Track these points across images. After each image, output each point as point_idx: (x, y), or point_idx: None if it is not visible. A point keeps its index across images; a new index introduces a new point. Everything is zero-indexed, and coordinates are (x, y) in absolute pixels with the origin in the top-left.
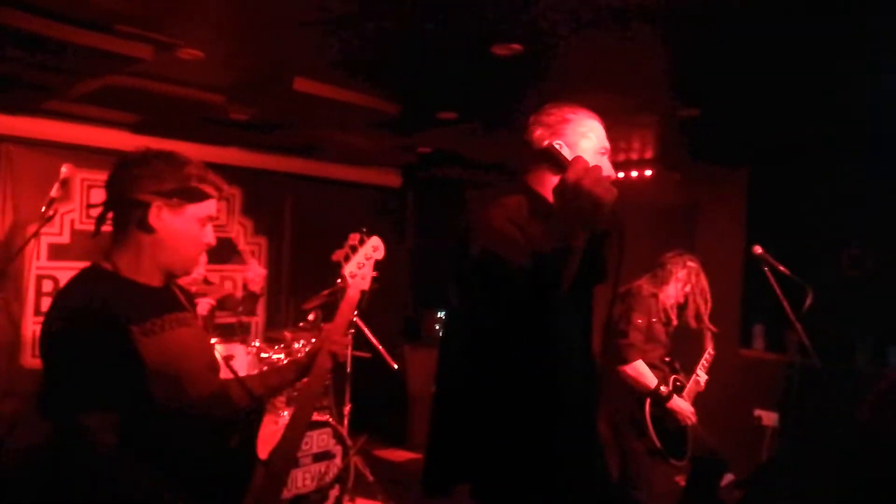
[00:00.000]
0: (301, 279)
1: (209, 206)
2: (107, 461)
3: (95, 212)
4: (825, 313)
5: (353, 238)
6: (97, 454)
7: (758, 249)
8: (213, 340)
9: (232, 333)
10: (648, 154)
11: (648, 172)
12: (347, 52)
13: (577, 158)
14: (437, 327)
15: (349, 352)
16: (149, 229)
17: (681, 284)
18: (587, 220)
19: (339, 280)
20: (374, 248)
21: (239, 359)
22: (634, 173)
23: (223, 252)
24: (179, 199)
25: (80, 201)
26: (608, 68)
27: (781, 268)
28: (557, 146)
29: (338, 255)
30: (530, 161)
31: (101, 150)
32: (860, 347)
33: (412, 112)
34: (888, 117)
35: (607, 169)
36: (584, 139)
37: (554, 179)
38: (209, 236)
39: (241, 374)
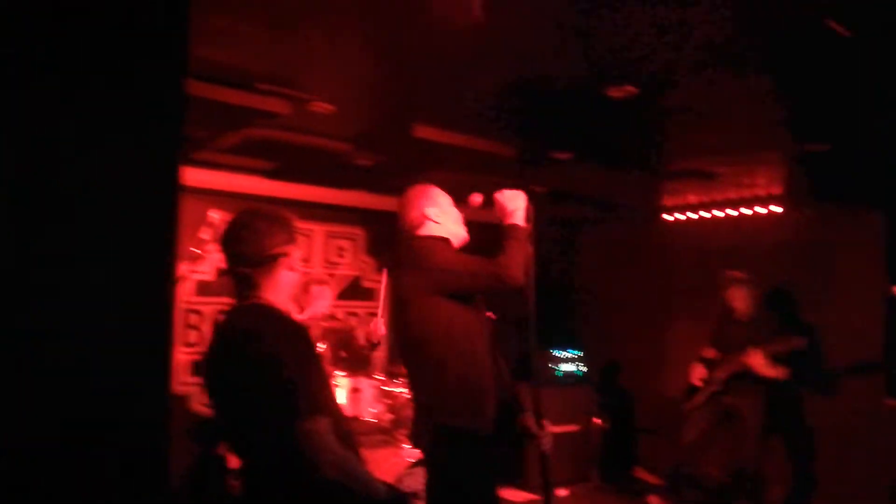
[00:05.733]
0: None
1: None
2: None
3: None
4: None
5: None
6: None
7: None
8: (339, 374)
9: (356, 367)
10: (776, 190)
11: (777, 209)
12: (465, 99)
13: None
14: (550, 366)
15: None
16: (291, 270)
17: None
18: None
19: None
20: None
21: (364, 392)
22: (761, 210)
23: (350, 289)
24: (294, 245)
25: None
26: (727, 107)
27: None
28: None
29: None
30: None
31: (241, 196)
32: None
33: (527, 153)
34: None
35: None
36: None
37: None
38: None
39: (367, 406)
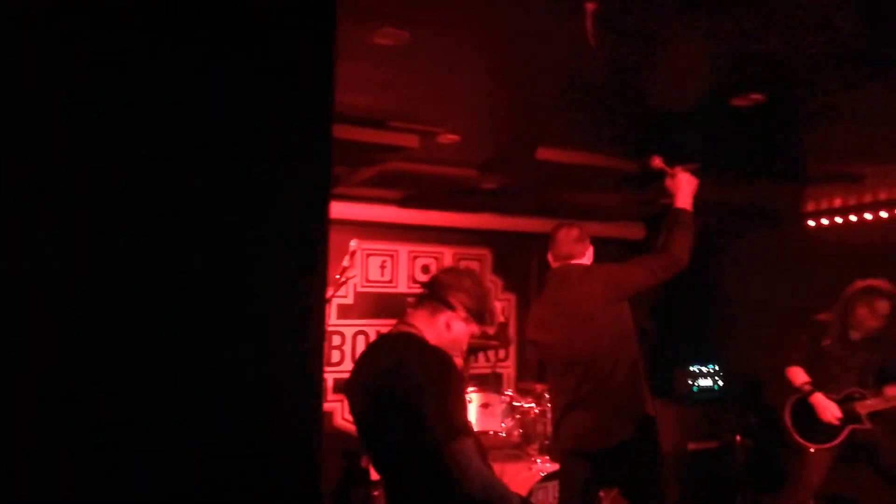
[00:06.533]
0: None
1: (475, 329)
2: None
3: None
4: None
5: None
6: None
7: None
8: (469, 389)
9: (486, 383)
10: None
11: None
12: (587, 118)
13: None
14: (690, 382)
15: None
16: (449, 327)
17: None
18: None
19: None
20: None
21: (494, 407)
22: None
23: None
24: (470, 318)
25: (360, 268)
26: (870, 107)
27: None
28: None
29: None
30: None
31: (375, 224)
32: None
33: (652, 166)
34: None
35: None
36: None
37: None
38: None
39: (497, 421)
